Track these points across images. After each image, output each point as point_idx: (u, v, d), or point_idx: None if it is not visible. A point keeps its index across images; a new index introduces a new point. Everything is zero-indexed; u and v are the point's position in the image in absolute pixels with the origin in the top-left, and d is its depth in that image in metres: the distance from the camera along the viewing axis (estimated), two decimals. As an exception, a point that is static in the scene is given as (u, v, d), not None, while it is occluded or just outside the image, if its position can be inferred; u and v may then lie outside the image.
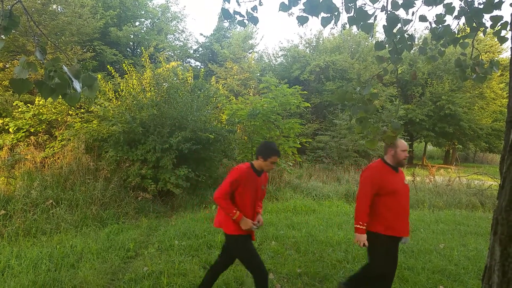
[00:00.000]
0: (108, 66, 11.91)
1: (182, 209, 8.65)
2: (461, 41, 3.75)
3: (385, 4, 3.12)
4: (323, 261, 5.23)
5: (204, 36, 31.48)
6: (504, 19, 3.39)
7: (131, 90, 10.10)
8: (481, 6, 3.34)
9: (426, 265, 5.14)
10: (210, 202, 9.13)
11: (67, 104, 8.06)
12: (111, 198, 7.68)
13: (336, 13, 3.06)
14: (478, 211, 9.77)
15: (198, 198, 9.33)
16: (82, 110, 10.10)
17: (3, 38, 2.34)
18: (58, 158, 8.82)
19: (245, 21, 3.41)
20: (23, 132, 9.46)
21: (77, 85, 2.17)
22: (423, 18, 3.53)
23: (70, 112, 9.95)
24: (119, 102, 9.94)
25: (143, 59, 11.72)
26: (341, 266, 5.08)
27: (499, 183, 2.00)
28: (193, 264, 4.95)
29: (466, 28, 3.71)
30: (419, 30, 34.20)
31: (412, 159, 29.74)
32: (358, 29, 3.18)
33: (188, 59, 29.88)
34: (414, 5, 3.16)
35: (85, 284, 4.26)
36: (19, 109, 9.60)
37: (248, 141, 11.67)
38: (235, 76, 22.32)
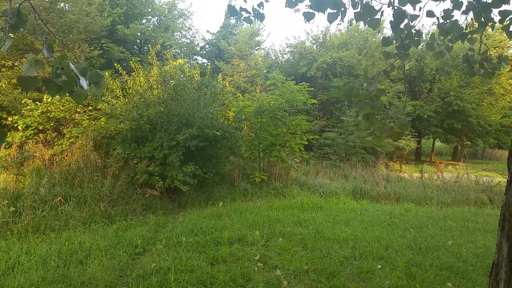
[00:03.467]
0: (115, 64, 11.96)
1: (189, 206, 8.69)
2: (469, 36, 3.71)
3: (391, 0, 3.10)
4: (330, 257, 5.23)
5: (210, 33, 31.52)
6: (513, 14, 3.35)
7: (138, 87, 10.14)
8: (490, 1, 3.30)
9: (434, 262, 5.12)
10: (217, 199, 9.16)
11: (74, 101, 8.12)
12: (119, 195, 7.74)
13: (342, 9, 3.04)
14: (486, 208, 9.70)
15: (205, 195, 9.36)
16: (90, 108, 10.16)
17: (12, 36, 2.36)
18: (66, 155, 8.90)
19: (251, 17, 3.40)
20: (31, 130, 9.54)
21: (83, 82, 2.18)
22: (430, 14, 3.50)
23: (78, 110, 10.02)
24: (126, 100, 9.99)
25: (150, 56, 11.76)
26: (348, 263, 5.07)
27: (507, 179, 1.99)
28: (200, 260, 4.97)
29: (474, 23, 3.67)
30: (426, 25, 33.96)
31: (420, 156, 29.56)
32: (365, 25, 3.16)
33: (195, 56, 29.92)
34: (421, 0, 3.13)
35: (93, 280, 4.30)
36: (28, 107, 9.68)
37: (255, 138, 11.68)
38: (242, 73, 22.30)
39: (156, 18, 25.29)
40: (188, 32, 29.07)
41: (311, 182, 11.61)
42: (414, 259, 5.24)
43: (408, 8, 3.17)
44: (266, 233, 6.30)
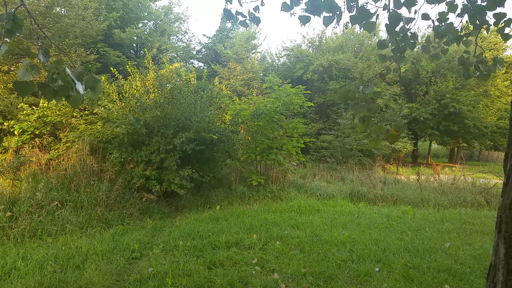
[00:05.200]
0: (112, 68, 11.94)
1: (186, 210, 8.67)
2: (464, 39, 3.74)
3: (387, 3, 3.12)
4: (327, 260, 5.23)
5: (207, 37, 31.58)
6: (508, 16, 3.37)
7: (135, 91, 10.14)
8: (484, 4, 3.32)
9: (431, 264, 5.12)
10: (214, 202, 9.15)
11: (71, 106, 8.10)
12: (115, 199, 7.71)
13: (338, 13, 3.05)
14: (483, 210, 9.72)
15: (202, 198, 9.35)
16: (86, 112, 10.15)
17: (7, 41, 2.35)
18: (63, 160, 8.86)
19: (247, 21, 3.41)
20: (28, 134, 9.51)
21: (79, 87, 2.18)
22: (425, 16, 3.52)
23: (75, 114, 10.00)
24: (123, 104, 9.98)
25: (146, 60, 11.76)
26: (346, 265, 5.07)
27: (504, 180, 1.99)
28: (198, 264, 4.96)
29: (469, 25, 3.70)
30: (422, 28, 34.05)
31: (417, 158, 29.62)
32: (360, 28, 3.17)
33: (191, 60, 29.90)
34: (416, 3, 3.15)
35: (90, 285, 4.28)
36: (24, 112, 9.65)
37: (252, 141, 11.68)
38: (238, 77, 22.29)
39: (152, 22, 25.28)
40: (184, 36, 29.08)
41: (308, 185, 11.61)
42: (411, 261, 5.24)
43: (404, 11, 3.19)
44: (264, 236, 6.29)
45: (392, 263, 5.15)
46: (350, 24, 3.22)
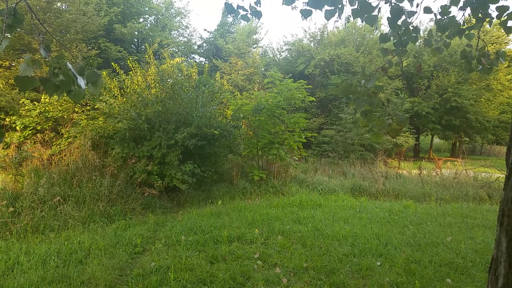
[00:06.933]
0: (113, 63, 11.93)
1: (188, 205, 8.68)
2: (466, 32, 3.72)
3: (389, -4, 3.10)
4: (329, 255, 5.24)
5: (208, 32, 31.54)
6: (511, 9, 3.35)
7: (136, 87, 10.13)
8: (487, -3, 3.30)
9: (433, 258, 5.13)
10: (216, 197, 9.16)
11: (72, 101, 8.12)
12: (118, 195, 7.72)
13: (339, 6, 3.04)
14: (485, 204, 9.72)
15: (204, 193, 9.36)
16: (88, 107, 10.15)
17: (8, 36, 2.35)
18: (65, 155, 8.88)
19: (248, 15, 3.40)
20: (29, 130, 9.52)
21: (81, 81, 2.18)
22: (427, 10, 3.50)
23: (76, 110, 10.00)
24: (124, 99, 9.98)
25: (147, 55, 11.74)
26: (347, 260, 5.08)
27: (506, 174, 1.99)
28: (200, 259, 4.97)
29: (472, 19, 3.67)
30: (424, 22, 33.95)
31: (418, 153, 29.59)
32: (362, 22, 3.16)
33: (193, 55, 29.87)
34: (418, -4, 3.13)
35: (93, 279, 4.30)
36: (26, 107, 9.66)
37: (253, 136, 11.67)
38: (240, 71, 22.26)
39: (153, 17, 25.24)
40: (186, 31, 29.05)
41: (310, 179, 11.61)
42: (413, 255, 5.25)
43: (405, 4, 3.17)
44: (265, 231, 6.30)
45: (393, 257, 5.15)
46: (352, 18, 3.20)
